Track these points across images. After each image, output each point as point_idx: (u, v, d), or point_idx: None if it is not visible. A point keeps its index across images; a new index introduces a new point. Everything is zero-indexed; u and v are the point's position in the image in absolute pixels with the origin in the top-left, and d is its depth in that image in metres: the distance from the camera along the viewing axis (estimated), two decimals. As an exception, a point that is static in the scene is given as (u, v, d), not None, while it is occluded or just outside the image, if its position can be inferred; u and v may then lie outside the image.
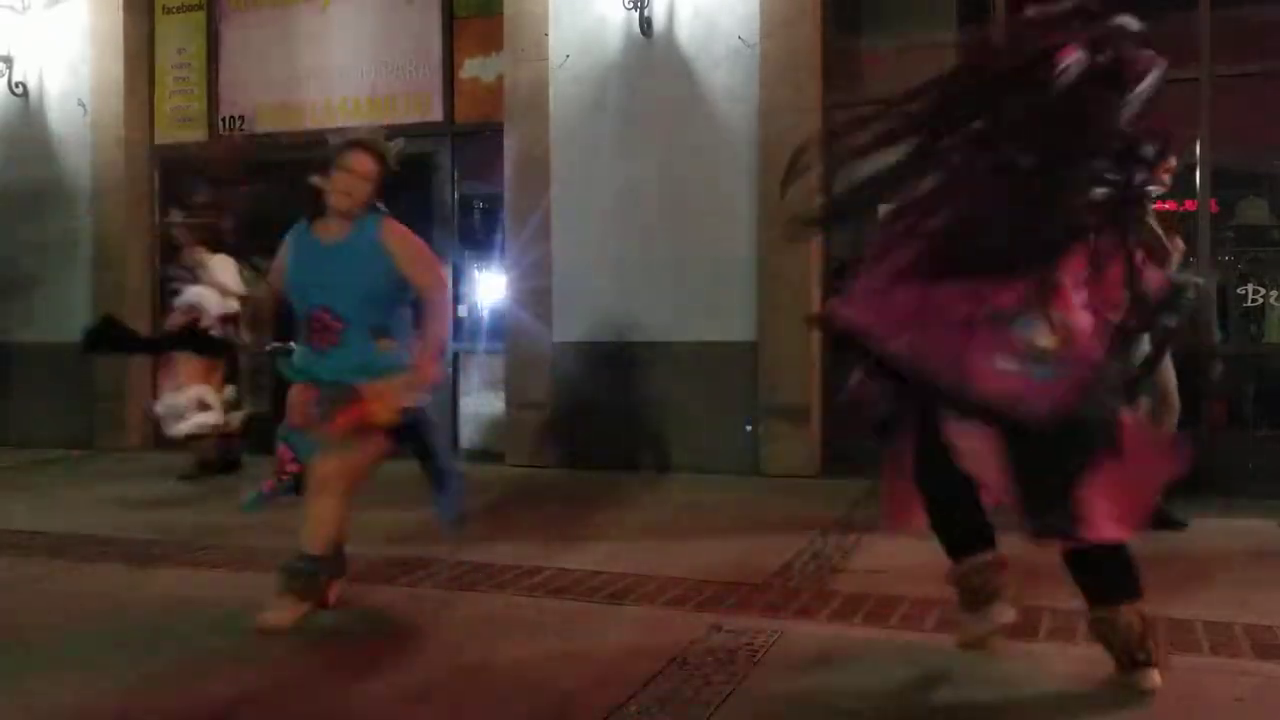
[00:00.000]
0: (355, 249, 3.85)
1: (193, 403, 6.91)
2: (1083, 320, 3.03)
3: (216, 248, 6.97)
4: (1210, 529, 5.31)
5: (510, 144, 7.59)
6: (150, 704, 3.11)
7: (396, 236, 3.90)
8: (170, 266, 7.40)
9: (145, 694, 3.18)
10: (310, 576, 3.78)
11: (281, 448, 3.99)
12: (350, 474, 3.83)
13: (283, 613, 3.72)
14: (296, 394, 3.93)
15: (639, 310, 7.31)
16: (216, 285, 6.88)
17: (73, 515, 5.87)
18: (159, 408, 7.10)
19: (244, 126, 8.67)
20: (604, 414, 7.41)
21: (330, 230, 3.90)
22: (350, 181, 3.84)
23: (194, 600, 4.13)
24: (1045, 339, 2.95)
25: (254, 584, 4.37)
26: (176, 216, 7.16)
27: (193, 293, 6.92)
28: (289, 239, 4.04)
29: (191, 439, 7.01)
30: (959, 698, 3.07)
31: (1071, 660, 3.36)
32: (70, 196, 8.79)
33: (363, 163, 3.85)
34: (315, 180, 3.87)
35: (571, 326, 7.49)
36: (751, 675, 3.22)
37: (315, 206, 3.91)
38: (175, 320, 7.05)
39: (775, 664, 3.32)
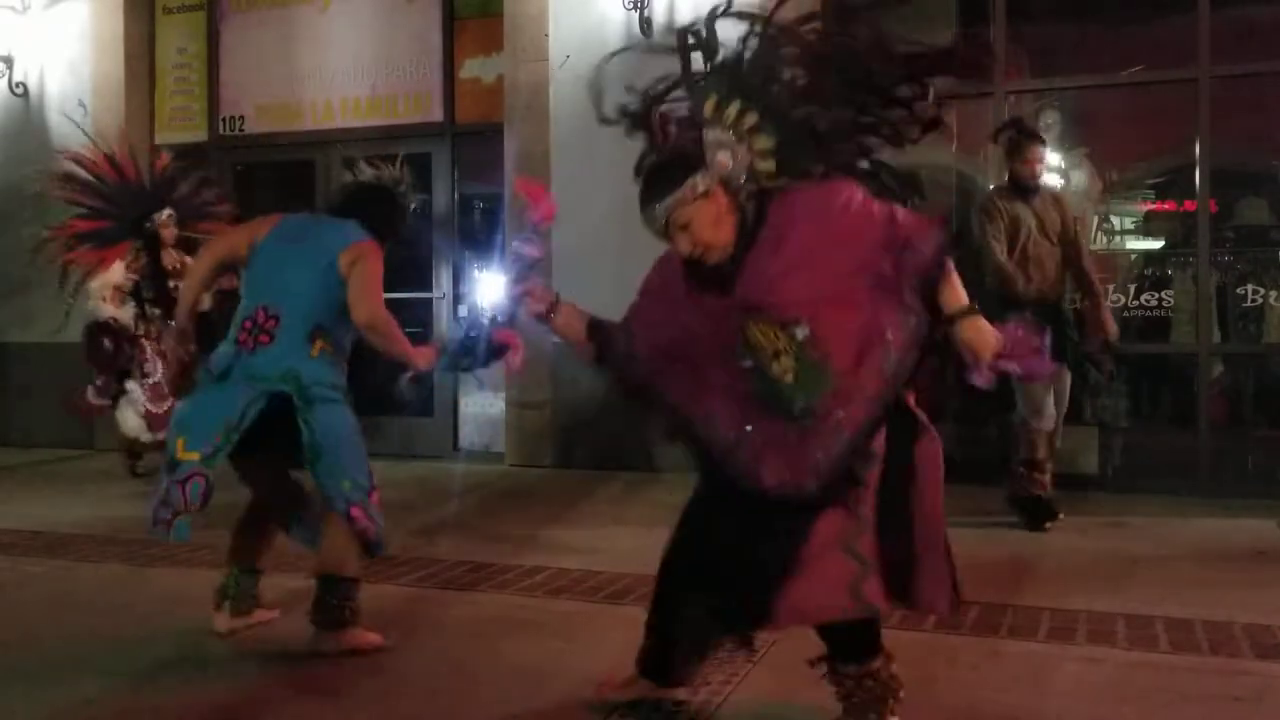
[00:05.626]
0: None
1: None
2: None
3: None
4: (1210, 529, 5.32)
5: (510, 144, 7.58)
6: (149, 704, 3.11)
7: None
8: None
9: (144, 694, 3.19)
10: None
11: None
12: None
13: None
14: None
15: (639, 310, 7.30)
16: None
17: (71, 515, 5.87)
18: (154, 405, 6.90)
19: (243, 126, 8.67)
20: (604, 414, 7.40)
21: None
22: None
23: (194, 600, 4.12)
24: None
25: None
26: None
27: None
28: None
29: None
30: (960, 698, 3.08)
31: (1071, 660, 3.36)
32: (70, 197, 8.77)
33: None
34: None
35: (572, 326, 7.47)
36: (751, 675, 3.22)
37: None
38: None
39: (775, 664, 3.31)
